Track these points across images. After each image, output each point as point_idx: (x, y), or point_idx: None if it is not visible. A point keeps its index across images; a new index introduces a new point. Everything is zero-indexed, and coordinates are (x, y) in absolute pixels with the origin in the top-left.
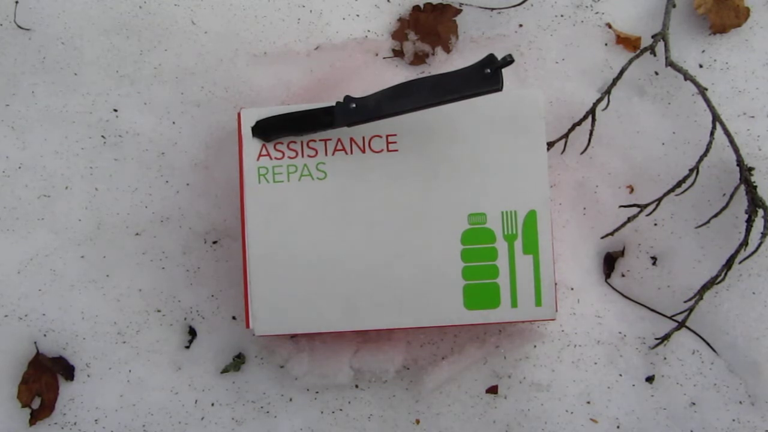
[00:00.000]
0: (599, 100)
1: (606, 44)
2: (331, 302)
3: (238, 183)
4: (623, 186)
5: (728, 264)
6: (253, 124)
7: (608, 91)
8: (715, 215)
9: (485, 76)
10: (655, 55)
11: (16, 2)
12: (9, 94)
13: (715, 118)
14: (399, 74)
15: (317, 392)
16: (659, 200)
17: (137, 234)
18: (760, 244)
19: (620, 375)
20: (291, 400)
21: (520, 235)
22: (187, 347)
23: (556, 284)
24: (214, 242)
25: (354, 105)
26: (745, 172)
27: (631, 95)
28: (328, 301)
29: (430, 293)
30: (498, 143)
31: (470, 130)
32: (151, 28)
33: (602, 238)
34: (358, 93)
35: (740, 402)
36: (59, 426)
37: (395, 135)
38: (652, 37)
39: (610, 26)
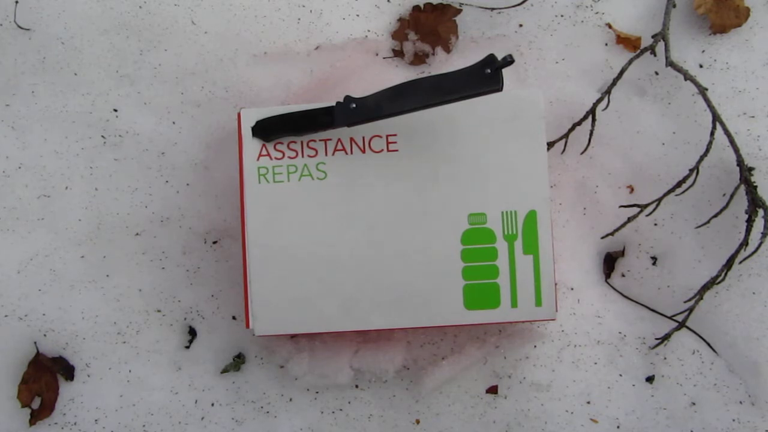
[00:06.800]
0: (599, 100)
1: (606, 44)
2: (331, 302)
3: (238, 183)
4: (623, 186)
5: (728, 264)
6: (253, 124)
7: (608, 91)
8: (715, 215)
9: (485, 76)
10: (655, 55)
11: (16, 2)
12: (9, 94)
13: (715, 118)
14: (399, 74)
15: (317, 392)
16: (659, 200)
17: (137, 234)
18: (760, 244)
19: (620, 375)
20: (291, 400)
21: (520, 235)
22: (187, 347)
23: (556, 284)
24: (214, 242)
25: (354, 105)
26: (745, 172)
27: (631, 95)
28: (328, 301)
29: (430, 293)
30: (498, 143)
31: (470, 131)
32: (151, 28)
33: (602, 238)
34: (358, 93)
35: (740, 402)
36: (59, 426)
37: (395, 135)
38: (652, 37)
39: (610, 26)
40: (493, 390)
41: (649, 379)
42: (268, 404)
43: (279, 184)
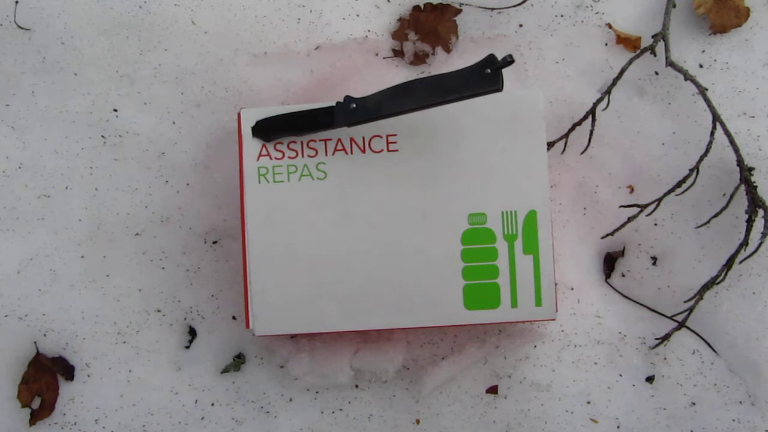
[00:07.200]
0: (599, 100)
1: (606, 44)
2: (331, 302)
3: (238, 183)
4: (623, 186)
5: (728, 264)
6: (253, 124)
7: (608, 91)
8: (715, 215)
9: (485, 76)
10: (655, 55)
11: (16, 2)
12: (9, 94)
13: (715, 118)
14: (399, 74)
15: (317, 392)
16: (659, 200)
17: (137, 234)
18: (760, 244)
19: (620, 375)
20: (291, 400)
21: (520, 235)
22: (187, 347)
23: (556, 284)
24: (214, 242)
25: (354, 105)
26: (745, 172)
27: (631, 95)
28: (328, 301)
29: (430, 293)
30: (498, 143)
31: (470, 131)
32: (151, 28)
33: (602, 238)
34: (358, 93)
35: (740, 402)
36: (59, 426)
37: (395, 135)
38: (653, 37)
39: (610, 26)
40: (493, 390)
41: (649, 379)
42: (268, 404)
43: (279, 184)
